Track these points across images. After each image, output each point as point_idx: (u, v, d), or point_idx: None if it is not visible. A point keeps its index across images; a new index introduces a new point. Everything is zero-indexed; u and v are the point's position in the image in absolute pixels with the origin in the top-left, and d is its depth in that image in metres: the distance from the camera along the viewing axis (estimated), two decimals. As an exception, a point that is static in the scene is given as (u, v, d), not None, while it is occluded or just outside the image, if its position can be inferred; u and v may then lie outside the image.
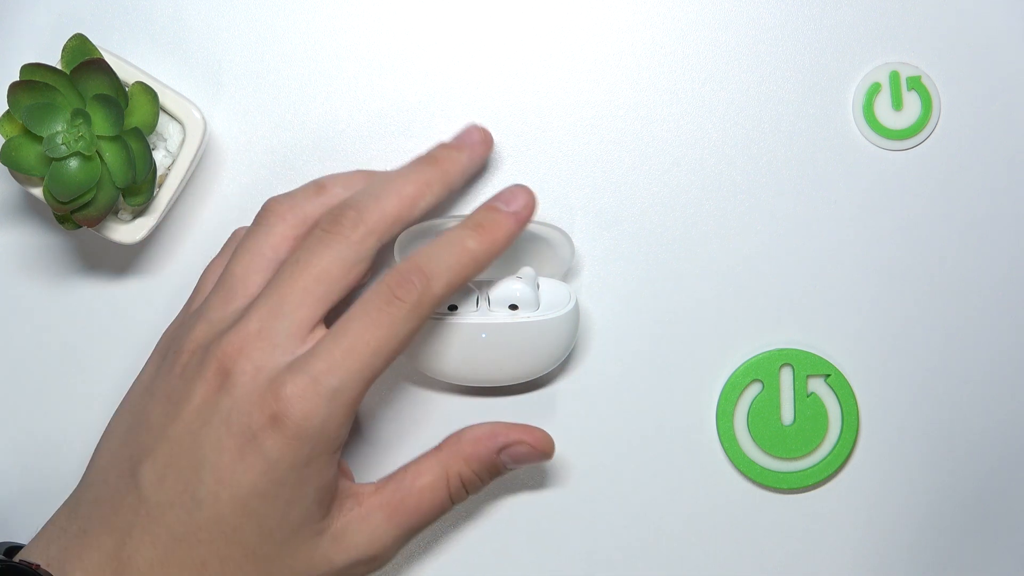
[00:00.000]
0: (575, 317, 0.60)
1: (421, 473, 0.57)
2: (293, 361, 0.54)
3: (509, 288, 0.59)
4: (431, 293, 0.54)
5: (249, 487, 0.53)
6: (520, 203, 0.58)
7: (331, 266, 0.55)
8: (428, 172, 0.59)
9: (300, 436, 0.53)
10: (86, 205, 0.57)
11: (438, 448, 0.58)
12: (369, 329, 0.54)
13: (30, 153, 0.57)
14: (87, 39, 0.58)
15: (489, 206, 0.58)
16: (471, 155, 0.61)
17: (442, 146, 0.60)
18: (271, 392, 0.53)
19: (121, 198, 0.58)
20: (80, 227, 0.58)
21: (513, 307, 0.59)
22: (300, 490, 0.54)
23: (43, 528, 0.56)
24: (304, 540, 0.55)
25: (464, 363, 0.60)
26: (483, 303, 0.59)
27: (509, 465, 0.59)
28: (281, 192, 0.59)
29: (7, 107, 0.56)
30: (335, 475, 0.55)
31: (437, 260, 0.55)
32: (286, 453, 0.53)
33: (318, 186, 0.59)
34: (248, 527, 0.54)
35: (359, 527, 0.56)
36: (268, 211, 0.58)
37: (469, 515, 0.63)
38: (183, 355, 0.56)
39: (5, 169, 0.58)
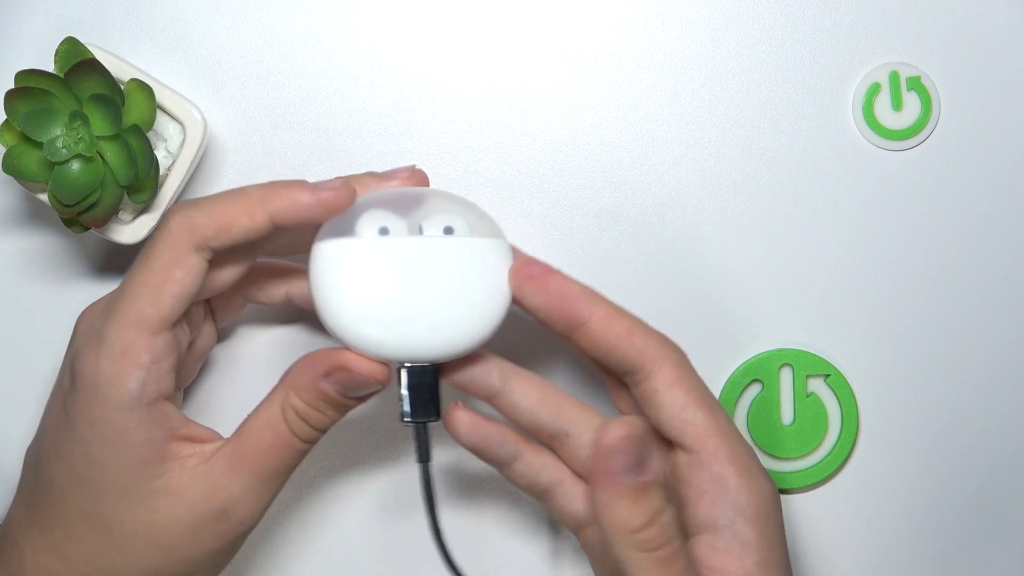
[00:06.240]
0: (510, 253, 0.54)
1: (259, 411, 0.53)
2: None
3: (443, 213, 0.53)
4: (188, 220, 0.51)
5: (66, 446, 0.53)
6: (337, 183, 0.53)
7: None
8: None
9: (84, 389, 0.52)
10: (92, 206, 0.57)
11: (279, 381, 0.54)
12: (134, 269, 0.53)
13: (32, 160, 0.57)
14: (77, 41, 0.57)
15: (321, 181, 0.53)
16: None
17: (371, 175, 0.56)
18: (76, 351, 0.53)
19: (125, 197, 0.58)
20: (88, 229, 0.58)
21: (448, 230, 0.53)
22: (112, 450, 0.52)
23: None
24: (139, 502, 0.52)
25: (398, 302, 0.52)
26: (415, 230, 0.53)
27: (339, 392, 0.53)
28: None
29: (5, 116, 0.56)
30: (157, 436, 0.52)
31: (212, 198, 0.52)
32: (80, 409, 0.52)
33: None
34: (74, 490, 0.53)
35: (201, 480, 0.53)
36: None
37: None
38: None
39: (8, 175, 0.58)
